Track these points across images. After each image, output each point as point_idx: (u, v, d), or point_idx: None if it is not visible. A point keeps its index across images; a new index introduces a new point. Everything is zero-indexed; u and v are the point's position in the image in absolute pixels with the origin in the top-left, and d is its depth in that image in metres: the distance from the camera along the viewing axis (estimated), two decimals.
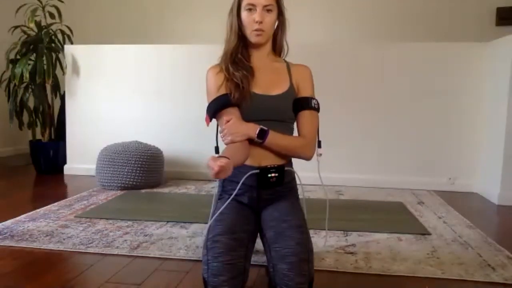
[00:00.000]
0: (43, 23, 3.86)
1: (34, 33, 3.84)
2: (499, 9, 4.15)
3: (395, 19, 4.36)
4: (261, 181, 1.51)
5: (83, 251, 1.90)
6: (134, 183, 3.14)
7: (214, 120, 1.62)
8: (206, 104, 1.61)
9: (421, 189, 3.31)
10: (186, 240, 2.06)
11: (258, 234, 1.54)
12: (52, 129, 3.93)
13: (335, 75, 3.41)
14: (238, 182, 1.45)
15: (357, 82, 3.41)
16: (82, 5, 4.93)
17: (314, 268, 1.38)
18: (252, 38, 1.56)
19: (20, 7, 3.86)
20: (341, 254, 1.89)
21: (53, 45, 3.85)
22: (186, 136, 3.60)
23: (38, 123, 3.86)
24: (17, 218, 2.38)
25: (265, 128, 1.51)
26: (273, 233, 1.40)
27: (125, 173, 3.11)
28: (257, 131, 1.50)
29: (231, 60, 1.59)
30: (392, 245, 2.02)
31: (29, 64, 3.66)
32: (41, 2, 3.85)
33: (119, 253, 1.88)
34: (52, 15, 3.79)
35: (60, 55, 3.86)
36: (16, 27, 3.86)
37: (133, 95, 3.70)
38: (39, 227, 2.23)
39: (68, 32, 3.92)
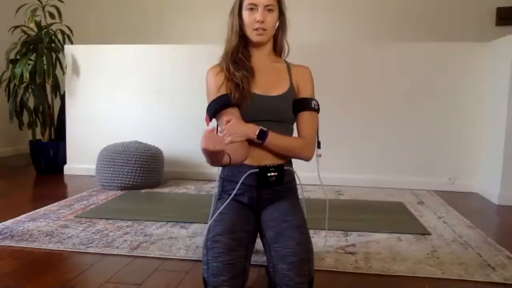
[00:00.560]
0: (43, 23, 3.86)
1: (34, 33, 3.84)
2: (499, 9, 4.15)
3: (395, 19, 4.36)
4: (261, 180, 1.51)
5: (83, 251, 1.90)
6: (134, 183, 3.14)
7: (214, 120, 1.62)
8: (206, 104, 1.61)
9: (421, 189, 3.31)
10: (186, 240, 2.06)
11: (258, 234, 1.54)
12: (52, 129, 3.93)
13: (335, 75, 3.41)
14: (238, 182, 1.45)
15: (357, 82, 3.41)
16: (82, 5, 4.93)
17: (314, 268, 1.38)
18: (254, 37, 1.56)
19: (20, 7, 3.86)
20: (341, 254, 1.89)
21: (53, 45, 3.85)
22: (186, 136, 3.60)
23: (38, 123, 3.86)
24: (17, 218, 2.38)
25: (265, 128, 1.51)
26: (273, 233, 1.41)
27: (125, 173, 3.11)
28: (257, 131, 1.50)
29: (232, 60, 1.59)
30: (392, 245, 2.02)
31: (29, 64, 3.66)
32: (41, 2, 3.85)
33: (119, 253, 1.88)
34: (52, 15, 3.79)
35: (60, 55, 3.86)
36: (16, 27, 3.86)
37: (133, 95, 3.70)
38: (39, 227, 2.23)
39: (68, 32, 3.92)
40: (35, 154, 3.82)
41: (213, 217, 1.43)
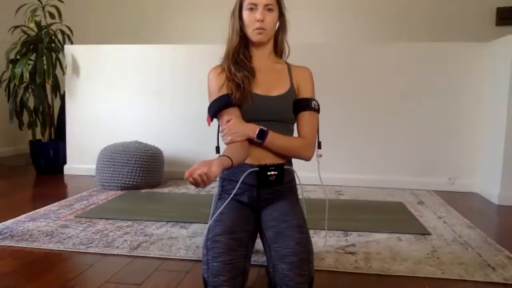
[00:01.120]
0: (43, 23, 3.86)
1: (34, 33, 3.84)
2: (499, 9, 4.15)
3: (395, 19, 4.36)
4: (261, 179, 1.52)
5: (83, 251, 1.90)
6: (134, 183, 3.14)
7: (215, 120, 1.63)
8: (207, 104, 1.61)
9: (421, 189, 3.31)
10: (186, 240, 2.06)
11: (258, 234, 1.54)
12: (52, 129, 3.93)
13: (335, 75, 3.41)
14: (238, 181, 1.46)
15: (358, 82, 3.41)
16: (82, 5, 4.93)
17: (314, 268, 1.38)
18: (254, 37, 1.57)
19: (20, 7, 3.86)
20: (341, 254, 1.89)
21: (53, 45, 3.85)
22: (186, 136, 3.60)
23: (38, 123, 3.86)
24: (17, 218, 2.38)
25: (265, 128, 1.51)
26: (273, 233, 1.41)
27: (125, 173, 3.11)
28: (257, 131, 1.50)
29: (233, 60, 1.60)
30: (392, 245, 2.02)
31: (29, 64, 3.66)
32: (41, 2, 3.85)
33: (119, 253, 1.88)
34: (52, 15, 3.79)
35: (60, 55, 3.86)
36: (16, 27, 3.86)
37: (133, 95, 3.70)
38: (39, 227, 2.23)
39: (68, 32, 3.92)
40: (35, 154, 3.82)
41: (213, 217, 1.44)
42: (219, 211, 1.46)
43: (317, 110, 1.63)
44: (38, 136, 3.93)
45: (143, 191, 3.13)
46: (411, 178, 3.36)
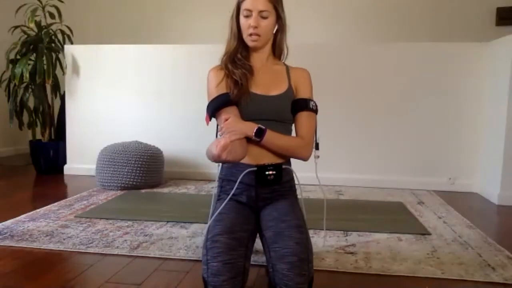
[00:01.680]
0: (43, 23, 3.86)
1: (34, 33, 3.84)
2: (499, 9, 4.15)
3: (395, 19, 4.36)
4: (259, 178, 1.52)
5: (83, 251, 1.90)
6: (134, 183, 3.14)
7: (214, 120, 1.63)
8: (206, 104, 1.62)
9: (421, 189, 3.31)
10: (186, 240, 2.06)
11: (258, 234, 1.54)
12: (52, 129, 3.93)
13: (335, 75, 3.41)
14: (236, 181, 1.46)
15: (358, 82, 3.41)
16: (82, 5, 4.93)
17: (314, 268, 1.38)
18: (248, 42, 1.60)
19: (20, 7, 3.86)
20: (341, 254, 1.89)
21: (53, 45, 3.85)
22: (186, 136, 3.60)
23: (38, 123, 3.86)
24: (17, 218, 2.38)
25: (263, 127, 1.52)
26: (272, 233, 1.41)
27: (125, 173, 3.11)
28: (255, 129, 1.51)
29: (231, 59, 1.62)
30: (392, 245, 2.02)
31: (29, 64, 3.66)
32: (41, 2, 3.85)
33: (119, 253, 1.88)
34: (52, 15, 3.79)
35: (60, 55, 3.86)
36: (16, 27, 3.86)
37: (133, 95, 3.70)
38: (39, 227, 2.23)
39: (68, 32, 3.92)
40: (35, 154, 3.83)
41: (212, 217, 1.44)
42: (218, 211, 1.46)
43: (315, 111, 1.63)
44: (38, 136, 3.93)
45: (143, 191, 3.13)
46: (411, 178, 3.36)
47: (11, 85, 3.76)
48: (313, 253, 1.39)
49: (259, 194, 1.57)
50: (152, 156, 3.24)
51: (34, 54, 3.73)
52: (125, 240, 2.04)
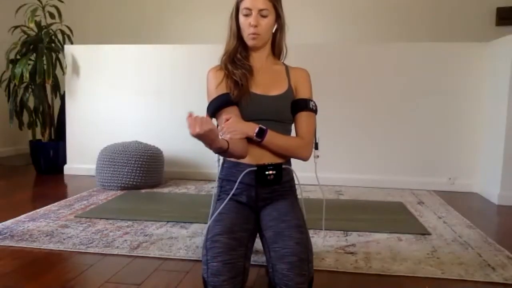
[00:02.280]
0: (43, 23, 3.86)
1: (34, 33, 3.84)
2: (499, 9, 4.15)
3: (395, 19, 4.36)
4: (259, 178, 1.52)
5: (83, 251, 1.90)
6: (134, 183, 3.14)
7: (214, 121, 1.63)
8: (206, 105, 1.62)
9: (421, 189, 3.31)
10: (186, 240, 2.06)
11: (258, 234, 1.54)
12: (52, 129, 3.93)
13: (335, 75, 3.41)
14: (236, 181, 1.46)
15: (357, 82, 3.41)
16: (82, 5, 4.93)
17: (314, 268, 1.38)
18: (248, 41, 1.59)
19: (20, 7, 3.86)
20: (341, 254, 1.89)
21: (53, 45, 3.85)
22: (186, 136, 3.54)
23: (38, 123, 3.86)
24: (17, 218, 2.38)
25: (264, 127, 1.52)
26: (272, 233, 1.41)
27: (125, 173, 3.11)
28: (256, 129, 1.51)
29: (231, 59, 1.62)
30: (392, 245, 2.02)
31: (29, 64, 3.66)
32: (41, 2, 3.85)
33: (119, 253, 1.88)
34: (52, 15, 3.79)
35: (60, 55, 3.86)
36: (16, 27, 3.86)
37: (133, 95, 3.70)
38: (39, 227, 2.23)
39: (68, 32, 3.92)
40: (35, 154, 3.83)
41: (213, 217, 1.44)
42: (218, 211, 1.46)
43: (315, 111, 1.63)
44: (38, 136, 3.93)
45: (143, 191, 3.13)
46: (411, 178, 3.36)
47: (11, 85, 3.76)
48: (313, 253, 1.39)
49: (259, 194, 1.57)
50: (152, 156, 3.24)
51: (34, 54, 3.73)
52: (125, 240, 2.04)
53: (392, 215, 2.57)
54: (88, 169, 3.62)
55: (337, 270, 1.73)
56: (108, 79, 3.73)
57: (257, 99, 1.57)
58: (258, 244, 1.56)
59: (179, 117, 3.63)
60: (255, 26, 1.54)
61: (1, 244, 1.97)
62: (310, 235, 1.48)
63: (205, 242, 1.36)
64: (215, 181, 1.70)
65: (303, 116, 1.61)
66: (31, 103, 3.82)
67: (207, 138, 1.25)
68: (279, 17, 1.61)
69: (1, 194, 3.06)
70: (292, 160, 1.67)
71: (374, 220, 2.44)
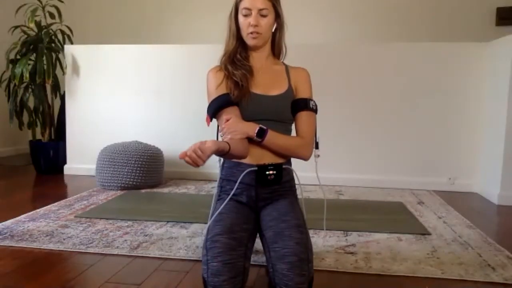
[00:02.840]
0: (43, 23, 3.86)
1: (34, 33, 3.84)
2: (499, 9, 4.16)
3: (395, 19, 4.36)
4: (259, 178, 1.52)
5: (83, 251, 1.90)
6: (134, 183, 3.14)
7: (214, 121, 1.63)
8: (207, 105, 1.62)
9: (421, 189, 3.31)
10: (186, 240, 2.06)
11: (258, 234, 1.54)
12: (52, 129, 3.93)
13: (335, 75, 3.41)
14: (237, 181, 1.46)
15: (357, 82, 3.41)
16: (82, 5, 4.93)
17: (314, 268, 1.38)
18: (249, 41, 1.59)
19: (20, 7, 3.86)
20: (341, 254, 1.89)
21: (53, 45, 3.85)
22: (186, 136, 3.60)
23: (38, 123, 3.86)
24: (17, 218, 2.38)
25: (264, 127, 1.52)
26: (272, 233, 1.41)
27: (125, 173, 3.11)
28: (256, 130, 1.51)
29: (230, 60, 1.61)
30: (392, 245, 2.02)
31: (29, 64, 3.66)
32: (41, 2, 3.85)
33: (119, 253, 1.88)
34: (52, 15, 3.79)
35: (60, 55, 3.86)
36: (16, 27, 3.86)
37: (133, 95, 3.70)
38: (39, 227, 2.23)
39: (68, 32, 3.92)
40: (35, 154, 3.82)
41: (213, 217, 1.44)
42: (218, 211, 1.46)
43: (315, 111, 1.63)
44: (38, 136, 3.93)
45: (143, 191, 3.13)
46: (411, 178, 3.36)
47: (11, 85, 3.76)
48: (313, 253, 1.39)
49: (259, 194, 1.57)
50: (152, 156, 3.24)
51: (34, 54, 3.73)
52: (125, 240, 2.04)
53: (392, 215, 2.57)
54: (88, 169, 3.62)
55: (337, 270, 1.73)
56: (108, 79, 3.73)
57: (257, 99, 1.57)
58: (258, 244, 1.56)
59: (179, 117, 3.64)
60: (255, 26, 1.54)
61: (1, 244, 1.97)
62: (310, 235, 1.48)
63: (205, 242, 1.36)
64: (215, 181, 1.71)
65: (303, 116, 1.61)
66: (31, 103, 3.82)
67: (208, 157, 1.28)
68: (278, 17, 1.61)
69: (1, 194, 3.06)
70: (292, 159, 1.67)
71: (374, 220, 2.44)
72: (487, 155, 3.16)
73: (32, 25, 3.73)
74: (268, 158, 1.55)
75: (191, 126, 3.55)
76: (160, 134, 3.62)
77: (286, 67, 1.68)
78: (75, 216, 2.43)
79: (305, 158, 1.61)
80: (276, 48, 1.68)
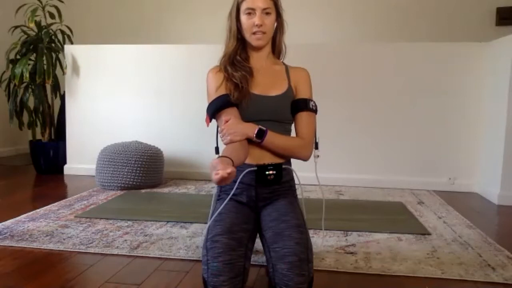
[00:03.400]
0: (43, 23, 3.86)
1: (34, 33, 3.84)
2: (499, 9, 4.16)
3: (395, 19, 4.36)
4: (259, 178, 1.52)
5: (83, 251, 1.90)
6: (134, 183, 3.14)
7: (214, 121, 1.63)
8: (207, 105, 1.61)
9: (421, 189, 3.31)
10: (186, 240, 2.06)
11: (258, 234, 1.54)
12: (52, 129, 3.93)
13: (335, 75, 3.41)
14: (236, 181, 1.46)
15: (357, 82, 3.41)
16: (82, 5, 4.93)
17: (314, 268, 1.38)
18: (253, 41, 1.58)
19: (20, 7, 3.86)
20: (341, 254, 1.89)
21: (53, 45, 3.85)
22: (186, 136, 3.60)
23: (38, 123, 3.86)
24: (17, 218, 2.38)
25: (264, 128, 1.52)
26: (272, 233, 1.41)
27: (125, 173, 3.11)
28: (256, 130, 1.50)
29: (230, 61, 1.61)
30: (392, 245, 2.02)
31: (29, 64, 3.66)
32: (41, 2, 3.85)
33: (119, 253, 1.88)
34: (52, 15, 3.80)
35: (60, 55, 3.86)
36: (16, 27, 3.86)
37: (133, 95, 3.70)
38: (39, 227, 2.23)
39: (68, 32, 3.92)
40: (35, 154, 3.82)
41: (213, 217, 1.44)
42: (218, 211, 1.46)
43: (315, 111, 1.63)
44: (38, 136, 3.93)
45: (143, 191, 3.13)
46: (411, 178, 3.36)
47: (11, 85, 3.76)
48: (313, 253, 1.39)
49: (259, 194, 1.57)
50: (152, 156, 3.24)
51: (34, 54, 3.74)
52: (125, 240, 2.04)
53: (392, 215, 2.57)
54: (88, 169, 3.62)
55: (337, 270, 1.73)
56: (108, 79, 3.73)
57: (257, 100, 1.57)
58: (258, 244, 1.56)
59: (179, 117, 3.64)
60: (261, 26, 1.53)
61: (1, 244, 1.97)
62: (310, 235, 1.48)
63: (205, 242, 1.36)
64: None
65: (303, 116, 1.61)
66: (31, 103, 3.82)
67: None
68: (279, 16, 1.61)
69: (1, 194, 3.06)
70: (292, 160, 1.67)
71: (374, 220, 2.44)
72: (487, 155, 3.16)
73: (32, 25, 3.73)
74: (268, 158, 1.55)
75: (191, 126, 3.55)
76: (160, 134, 3.62)
77: (286, 67, 1.68)
78: (75, 216, 2.43)
79: (305, 159, 1.61)
80: (276, 48, 1.68)
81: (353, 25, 4.44)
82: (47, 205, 2.67)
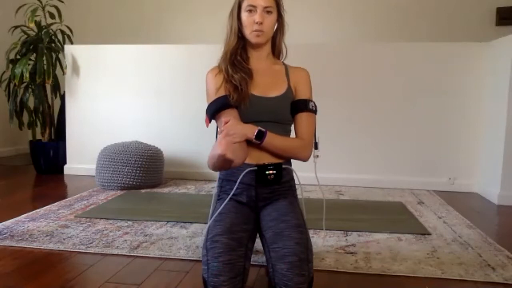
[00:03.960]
0: (43, 23, 3.86)
1: (34, 33, 3.84)
2: (499, 9, 4.16)
3: (395, 19, 4.36)
4: (259, 178, 1.52)
5: (83, 251, 1.90)
6: (134, 183, 3.14)
7: (214, 121, 1.63)
8: (206, 105, 1.61)
9: (421, 189, 3.31)
10: (186, 240, 2.06)
11: (258, 234, 1.54)
12: (52, 129, 3.93)
13: (335, 75, 3.41)
14: (236, 181, 1.46)
15: (357, 82, 3.41)
16: (82, 5, 4.94)
17: (314, 268, 1.38)
18: (252, 38, 1.57)
19: (20, 7, 3.86)
20: (341, 254, 1.89)
21: (53, 45, 3.85)
22: (186, 136, 3.60)
23: (38, 123, 3.86)
24: (17, 218, 2.38)
25: (263, 129, 1.51)
26: (272, 233, 1.41)
27: (125, 173, 3.11)
28: (255, 132, 1.50)
29: (230, 61, 1.60)
30: (392, 245, 2.02)
31: (29, 64, 3.66)
32: (41, 2, 3.85)
33: (119, 253, 1.88)
34: (52, 15, 3.80)
35: (60, 55, 3.86)
36: (16, 27, 3.86)
37: (133, 95, 3.70)
38: (39, 227, 2.23)
39: (68, 32, 3.92)
40: (35, 154, 3.82)
41: (213, 217, 1.44)
42: (218, 211, 1.46)
43: (315, 111, 1.63)
44: (38, 136, 3.93)
45: (143, 191, 3.13)
46: (411, 178, 3.36)
47: (11, 85, 3.76)
48: (313, 253, 1.40)
49: (259, 194, 1.57)
50: (152, 156, 3.24)
51: (34, 54, 3.74)
52: (125, 240, 2.04)
53: (392, 215, 2.57)
54: (88, 169, 3.62)
55: (337, 270, 1.73)
56: (108, 79, 3.73)
57: (256, 101, 1.56)
58: (258, 244, 1.56)
59: (179, 117, 3.64)
60: (261, 23, 1.54)
61: (1, 244, 1.97)
62: (310, 235, 1.48)
63: (205, 242, 1.36)
64: (215, 181, 1.70)
65: (303, 117, 1.60)
66: (31, 103, 3.82)
67: (227, 164, 1.37)
68: (280, 16, 1.61)
69: (1, 194, 3.06)
70: (292, 160, 1.67)
71: (374, 220, 2.44)
72: (487, 155, 3.16)
73: (32, 25, 3.73)
74: (267, 158, 1.55)
75: (191, 126, 3.55)
76: (160, 134, 3.63)
77: (286, 67, 1.68)
78: (75, 216, 2.43)
79: (304, 160, 1.61)
80: (276, 48, 1.68)
81: (353, 25, 4.44)
82: (47, 205, 2.67)
